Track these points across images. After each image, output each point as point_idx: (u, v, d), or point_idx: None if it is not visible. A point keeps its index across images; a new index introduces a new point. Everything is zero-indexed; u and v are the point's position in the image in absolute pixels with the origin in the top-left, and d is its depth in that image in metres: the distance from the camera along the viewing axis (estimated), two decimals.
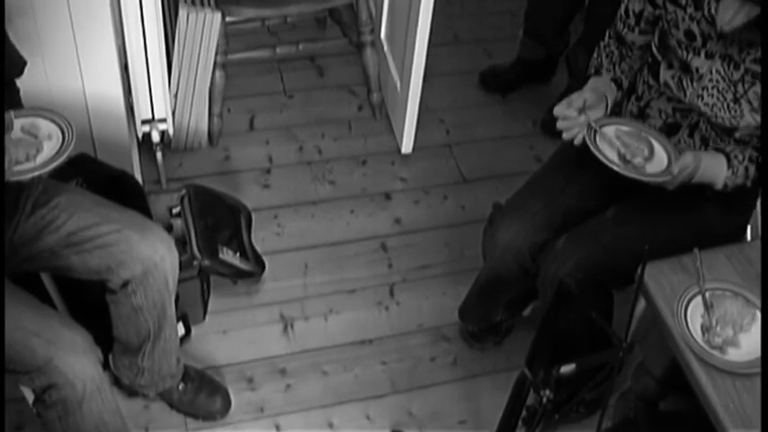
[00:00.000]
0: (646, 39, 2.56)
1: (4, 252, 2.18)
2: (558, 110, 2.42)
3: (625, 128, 2.44)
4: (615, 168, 2.32)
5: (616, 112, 2.65)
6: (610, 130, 2.42)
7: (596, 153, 2.34)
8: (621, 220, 2.53)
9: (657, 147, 2.41)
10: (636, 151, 2.36)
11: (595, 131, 2.39)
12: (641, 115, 2.56)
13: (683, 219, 2.49)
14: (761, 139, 2.39)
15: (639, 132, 2.43)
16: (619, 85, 2.60)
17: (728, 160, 2.38)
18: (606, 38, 2.67)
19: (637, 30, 2.56)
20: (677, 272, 2.22)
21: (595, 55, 2.68)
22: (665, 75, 2.47)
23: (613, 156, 2.35)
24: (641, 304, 2.35)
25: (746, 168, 2.39)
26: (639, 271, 2.05)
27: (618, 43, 2.62)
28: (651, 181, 2.34)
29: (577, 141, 2.41)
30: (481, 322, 3.06)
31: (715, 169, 2.39)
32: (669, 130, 2.50)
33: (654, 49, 2.50)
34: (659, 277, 2.20)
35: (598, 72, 2.63)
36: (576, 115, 2.41)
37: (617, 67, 2.62)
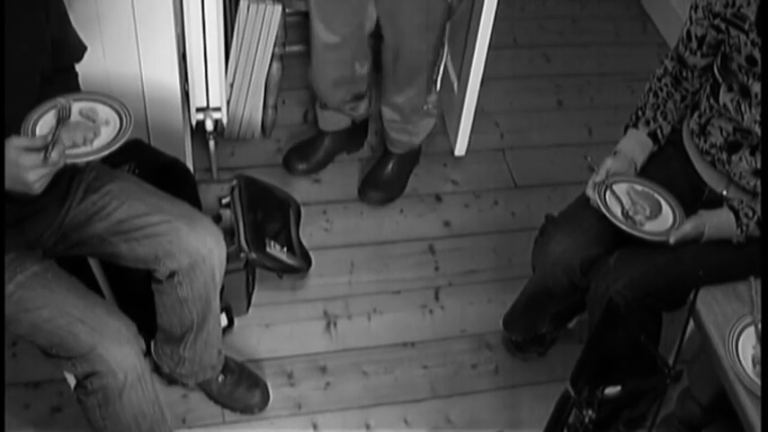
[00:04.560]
0: (707, 61, 2.53)
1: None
2: (590, 191, 2.51)
3: (639, 187, 2.54)
4: (614, 221, 2.43)
5: (678, 129, 2.67)
6: (622, 187, 2.52)
7: (600, 206, 2.45)
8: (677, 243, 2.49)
9: (666, 208, 2.50)
10: (639, 209, 2.47)
11: (607, 187, 2.50)
12: (702, 132, 2.53)
13: (741, 245, 2.45)
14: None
15: (651, 193, 2.53)
16: (655, 139, 2.64)
17: (738, 219, 2.40)
18: (659, 71, 2.66)
19: (699, 53, 2.53)
20: (731, 300, 2.17)
21: (642, 96, 2.69)
22: (724, 97, 2.44)
23: (617, 210, 2.46)
24: (689, 328, 2.31)
25: (758, 222, 2.39)
26: (692, 296, 2.02)
27: (679, 66, 2.59)
28: (647, 238, 2.43)
29: (588, 191, 2.51)
30: (526, 332, 3.03)
31: (724, 230, 2.43)
32: (730, 148, 2.47)
33: (716, 71, 2.47)
34: (712, 304, 2.15)
35: (637, 122, 2.65)
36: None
37: (659, 113, 2.62)
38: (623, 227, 2.42)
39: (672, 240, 2.39)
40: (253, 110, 3.52)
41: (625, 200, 2.48)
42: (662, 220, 2.46)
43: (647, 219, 2.45)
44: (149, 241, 2.37)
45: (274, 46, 3.36)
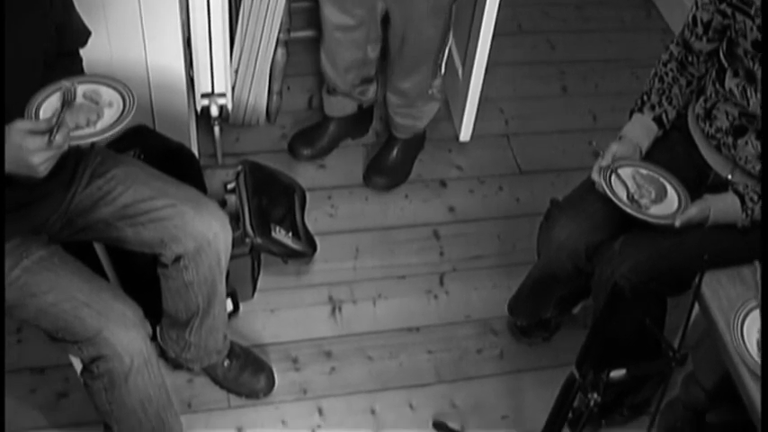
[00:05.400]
0: (713, 46, 2.53)
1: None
2: (595, 175, 2.51)
3: (644, 171, 2.53)
4: (619, 205, 2.43)
5: (683, 114, 2.66)
6: (627, 171, 2.52)
7: (605, 189, 2.45)
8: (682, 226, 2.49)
9: (671, 192, 2.50)
10: (644, 192, 2.47)
11: (612, 171, 2.50)
12: (708, 117, 2.53)
13: (746, 229, 2.45)
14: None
15: (657, 177, 2.52)
16: (660, 124, 2.63)
17: (743, 203, 2.41)
18: (665, 57, 2.66)
19: (705, 38, 2.53)
20: (735, 284, 2.17)
21: (648, 81, 2.68)
22: (730, 82, 2.44)
23: (623, 194, 2.46)
24: (694, 313, 2.31)
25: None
26: (697, 280, 2.02)
27: (685, 51, 2.59)
28: (652, 221, 2.43)
29: (594, 175, 2.51)
30: (531, 317, 3.04)
31: (729, 214, 2.43)
32: (736, 132, 2.47)
33: (722, 56, 2.46)
34: (717, 288, 2.16)
35: (642, 107, 2.64)
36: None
37: (664, 98, 2.62)
38: (628, 210, 2.41)
39: (677, 223, 2.39)
40: (258, 96, 3.52)
41: (630, 184, 2.48)
42: (667, 204, 2.46)
43: (652, 202, 2.45)
44: (155, 225, 2.37)
45: (279, 32, 3.36)
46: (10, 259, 2.19)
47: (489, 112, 3.80)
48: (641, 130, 2.62)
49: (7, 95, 2.02)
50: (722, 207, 2.42)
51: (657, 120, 2.61)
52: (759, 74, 2.35)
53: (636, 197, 2.45)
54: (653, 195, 2.46)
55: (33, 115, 2.06)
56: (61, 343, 2.27)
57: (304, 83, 3.83)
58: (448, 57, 3.61)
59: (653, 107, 2.62)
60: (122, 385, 2.27)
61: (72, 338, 2.23)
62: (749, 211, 2.39)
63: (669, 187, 2.50)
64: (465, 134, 3.70)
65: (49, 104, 2.10)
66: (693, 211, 2.40)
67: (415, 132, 3.51)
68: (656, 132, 2.63)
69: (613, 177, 2.49)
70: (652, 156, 2.61)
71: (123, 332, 2.21)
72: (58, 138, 1.96)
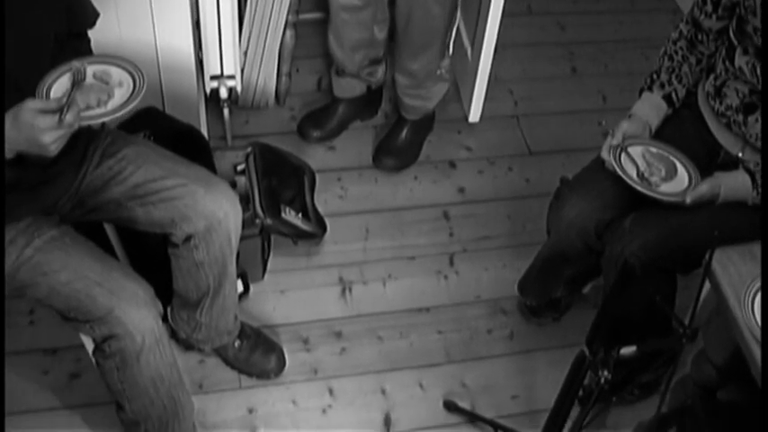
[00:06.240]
0: (723, 24, 2.52)
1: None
2: (605, 154, 2.51)
3: (654, 149, 2.53)
4: (629, 183, 2.42)
5: (693, 92, 2.65)
6: (637, 150, 2.52)
7: (615, 167, 2.45)
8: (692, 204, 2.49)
9: (681, 170, 2.50)
10: (654, 170, 2.46)
11: (622, 150, 2.49)
12: (718, 94, 2.52)
13: (756, 206, 2.44)
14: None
15: (667, 155, 2.52)
16: (670, 102, 2.63)
17: (753, 180, 2.40)
18: (674, 35, 2.65)
19: (714, 16, 2.52)
20: (746, 260, 2.17)
21: (657, 59, 2.68)
22: (740, 60, 2.43)
23: (633, 172, 2.46)
24: (705, 289, 2.31)
25: None
26: (707, 257, 2.02)
27: (695, 29, 2.58)
28: (663, 199, 2.42)
29: (603, 154, 2.51)
30: (541, 297, 3.04)
31: (740, 191, 2.43)
32: (746, 110, 2.46)
33: (731, 34, 2.46)
34: (727, 264, 2.15)
35: (651, 85, 2.64)
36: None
37: (674, 76, 2.62)
38: (639, 188, 2.41)
39: (688, 200, 2.39)
40: (267, 78, 3.52)
41: (640, 162, 2.47)
42: (677, 182, 2.46)
43: (662, 180, 2.45)
44: (165, 205, 2.38)
45: (288, 13, 3.36)
46: (22, 239, 2.20)
47: (499, 93, 3.80)
48: (651, 108, 2.61)
49: (18, 76, 2.02)
50: (733, 185, 2.42)
51: (667, 98, 2.61)
52: None
53: (646, 175, 2.44)
54: (663, 173, 2.46)
55: (44, 95, 2.07)
56: (73, 322, 2.27)
57: (313, 65, 3.83)
58: (457, 38, 3.61)
59: (662, 85, 2.61)
60: (134, 364, 2.28)
61: (84, 318, 2.23)
62: (760, 189, 2.39)
63: (679, 165, 2.49)
64: (474, 115, 3.69)
65: (59, 85, 2.10)
66: (704, 188, 2.40)
67: (425, 113, 3.51)
68: (665, 111, 2.62)
69: (623, 156, 2.48)
70: (662, 134, 2.61)
71: (135, 311, 2.22)
72: (69, 116, 1.97)
